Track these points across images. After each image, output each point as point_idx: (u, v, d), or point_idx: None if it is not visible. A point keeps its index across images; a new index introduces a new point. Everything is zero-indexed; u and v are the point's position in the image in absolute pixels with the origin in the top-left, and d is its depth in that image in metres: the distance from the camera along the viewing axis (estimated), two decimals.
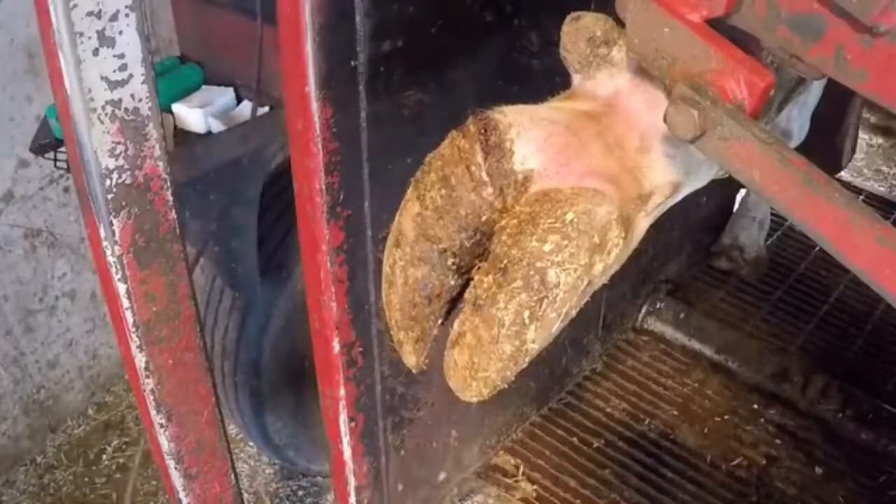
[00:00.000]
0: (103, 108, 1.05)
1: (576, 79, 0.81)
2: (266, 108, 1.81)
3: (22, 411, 2.41)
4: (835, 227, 0.57)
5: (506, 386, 0.70)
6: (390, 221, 0.78)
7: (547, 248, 0.66)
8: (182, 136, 1.80)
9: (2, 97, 2.07)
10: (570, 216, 0.67)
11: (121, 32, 1.02)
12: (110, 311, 1.33)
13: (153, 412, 1.35)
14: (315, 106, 1.17)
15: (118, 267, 1.18)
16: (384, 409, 1.64)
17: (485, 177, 0.71)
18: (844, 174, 3.18)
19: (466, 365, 0.68)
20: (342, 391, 1.50)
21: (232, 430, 2.15)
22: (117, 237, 1.14)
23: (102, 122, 1.05)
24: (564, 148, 0.72)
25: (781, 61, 0.60)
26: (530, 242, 0.67)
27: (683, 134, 0.62)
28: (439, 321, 0.74)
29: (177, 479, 1.41)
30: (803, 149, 0.85)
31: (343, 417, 1.54)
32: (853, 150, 2.81)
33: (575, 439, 2.23)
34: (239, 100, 1.95)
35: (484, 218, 0.71)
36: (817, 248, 2.18)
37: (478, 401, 0.70)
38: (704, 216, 2.65)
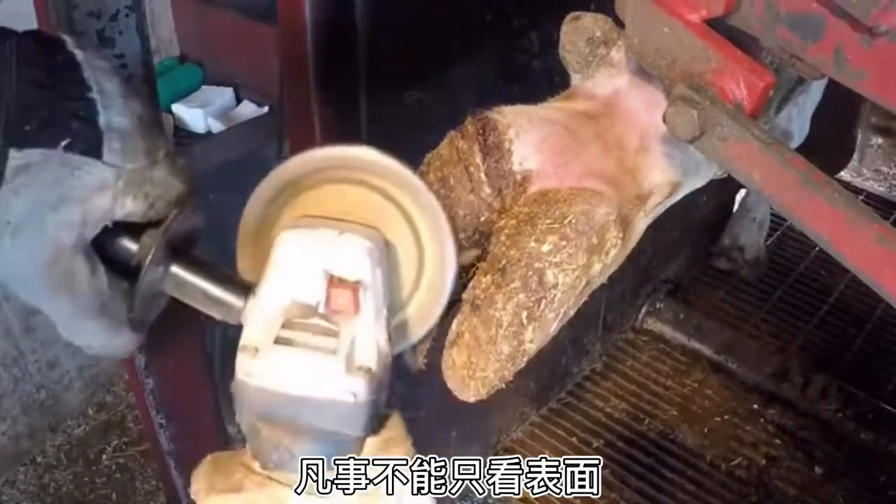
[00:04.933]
0: None
1: (575, 79, 0.81)
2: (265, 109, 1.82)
3: (22, 411, 2.41)
4: (834, 227, 0.57)
5: (504, 386, 0.70)
6: None
7: (545, 248, 0.66)
8: (182, 136, 1.81)
9: None
10: (568, 217, 0.67)
11: (121, 32, 1.02)
12: None
13: (153, 412, 1.35)
14: (315, 106, 1.17)
15: None
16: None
17: (483, 177, 0.71)
18: (844, 174, 3.18)
19: (465, 365, 0.68)
20: None
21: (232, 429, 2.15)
22: None
23: None
24: (563, 148, 0.72)
25: (781, 61, 0.60)
26: (528, 243, 0.67)
27: (683, 134, 0.62)
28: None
29: (177, 479, 1.41)
30: (804, 149, 0.85)
31: None
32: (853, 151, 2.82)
33: (575, 439, 2.23)
34: (239, 100, 1.95)
35: (482, 218, 0.71)
36: (817, 248, 2.18)
37: (476, 401, 0.70)
38: (704, 216, 2.65)
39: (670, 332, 2.51)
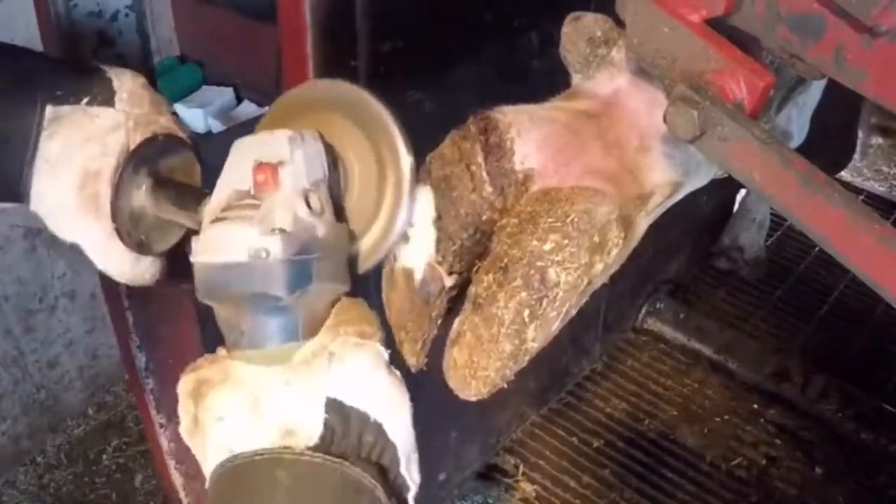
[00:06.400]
0: None
1: (576, 79, 0.81)
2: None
3: (22, 411, 2.41)
4: (834, 227, 0.57)
5: (505, 385, 0.70)
6: None
7: (547, 247, 0.66)
8: None
9: None
10: (570, 215, 0.67)
11: (121, 32, 1.02)
12: (110, 311, 1.33)
13: (153, 412, 1.35)
14: None
15: None
16: None
17: (485, 176, 0.71)
18: (844, 174, 3.19)
19: (466, 364, 0.68)
20: None
21: None
22: None
23: None
24: (564, 147, 0.72)
25: (781, 61, 0.60)
26: (530, 241, 0.67)
27: (683, 134, 0.62)
28: (439, 320, 0.74)
29: (177, 479, 1.41)
30: (804, 149, 0.85)
31: None
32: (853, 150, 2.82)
33: (575, 439, 2.23)
34: (239, 100, 1.96)
35: (484, 217, 0.71)
36: (817, 248, 2.18)
37: (477, 400, 0.70)
38: (704, 216, 2.65)
39: (670, 332, 2.51)
